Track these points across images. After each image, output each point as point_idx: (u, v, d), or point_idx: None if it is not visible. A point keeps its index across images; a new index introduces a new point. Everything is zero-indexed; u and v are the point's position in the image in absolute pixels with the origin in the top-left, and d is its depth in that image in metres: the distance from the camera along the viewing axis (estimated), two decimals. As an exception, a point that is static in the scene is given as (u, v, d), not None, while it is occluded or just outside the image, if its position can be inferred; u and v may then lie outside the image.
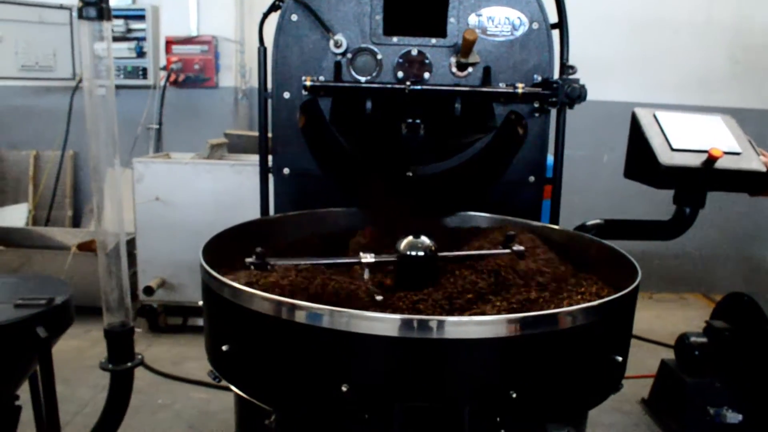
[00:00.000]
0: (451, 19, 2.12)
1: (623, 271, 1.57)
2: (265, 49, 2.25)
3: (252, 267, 1.52)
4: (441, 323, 1.15)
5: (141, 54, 5.33)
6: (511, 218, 2.10)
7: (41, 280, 2.47)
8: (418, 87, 2.02)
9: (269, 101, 2.22)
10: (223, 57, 5.43)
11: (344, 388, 1.16)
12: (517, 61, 2.14)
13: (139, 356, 2.11)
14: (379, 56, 2.13)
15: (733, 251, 5.72)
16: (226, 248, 1.69)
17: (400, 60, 2.12)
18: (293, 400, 1.28)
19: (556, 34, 2.21)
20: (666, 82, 5.33)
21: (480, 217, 2.17)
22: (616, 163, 5.40)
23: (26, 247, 4.65)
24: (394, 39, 2.13)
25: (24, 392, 2.27)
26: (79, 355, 3.89)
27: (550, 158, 2.28)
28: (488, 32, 2.13)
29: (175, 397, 3.53)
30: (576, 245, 1.85)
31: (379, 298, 1.44)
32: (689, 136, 2.14)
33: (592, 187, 5.27)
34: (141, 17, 5.27)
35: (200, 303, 1.49)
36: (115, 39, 5.19)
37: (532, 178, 2.23)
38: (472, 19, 2.12)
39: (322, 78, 2.14)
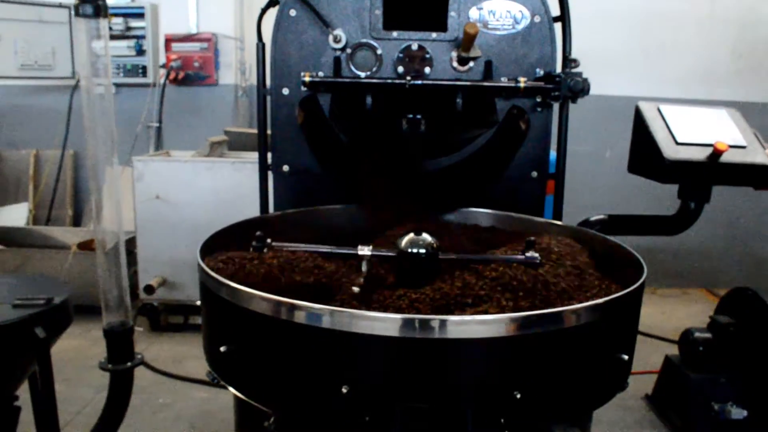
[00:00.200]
0: (452, 13, 2.09)
1: (628, 267, 1.55)
2: (263, 45, 2.22)
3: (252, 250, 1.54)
4: (443, 322, 1.13)
5: (140, 52, 5.31)
6: (515, 214, 2.07)
7: (40, 280, 2.45)
8: (419, 82, 2.00)
9: (268, 98, 2.20)
10: (223, 54, 5.41)
11: (344, 390, 1.14)
12: (519, 55, 2.11)
13: (139, 356, 2.09)
14: (378, 51, 2.10)
15: (736, 246, 5.69)
16: (225, 247, 1.67)
17: (401, 55, 2.10)
18: (293, 402, 1.26)
19: (558, 27, 2.18)
20: (669, 77, 5.29)
21: (482, 213, 2.15)
22: (618, 158, 5.37)
23: (26, 247, 4.64)
24: (394, 33, 2.10)
25: (24, 392, 2.26)
26: (79, 355, 3.88)
27: (553, 154, 2.25)
28: (489, 26, 2.10)
29: (176, 397, 3.51)
30: (580, 241, 1.82)
31: (355, 289, 1.42)
32: (694, 129, 2.12)
33: (594, 183, 5.25)
34: (140, 15, 5.25)
35: (199, 302, 1.47)
36: (115, 37, 5.19)
37: (534, 174, 2.20)
38: (473, 13, 2.09)
39: (321, 74, 2.11)
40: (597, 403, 1.35)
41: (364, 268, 1.53)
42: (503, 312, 1.32)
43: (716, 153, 2.01)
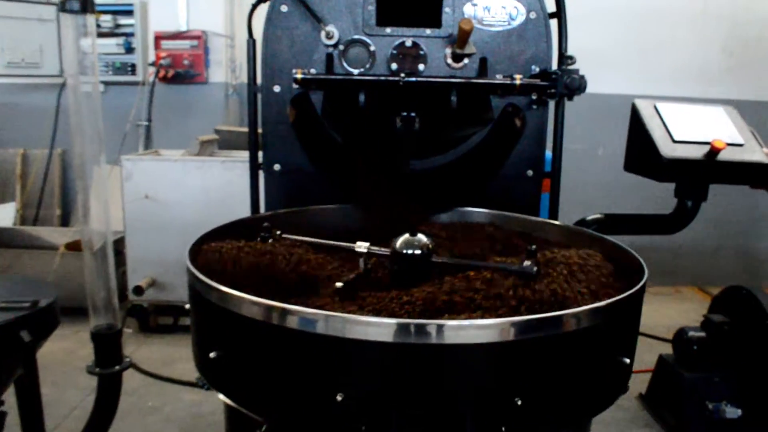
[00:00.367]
0: (446, 9, 2.06)
1: (627, 268, 1.52)
2: (254, 42, 2.18)
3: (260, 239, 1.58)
4: (440, 327, 1.09)
5: (129, 50, 5.28)
6: (510, 213, 2.04)
7: (26, 282, 2.40)
8: (413, 79, 1.96)
9: (259, 95, 2.16)
10: (213, 52, 5.36)
11: (339, 398, 1.10)
12: (514, 51, 2.08)
13: (127, 359, 2.05)
14: (372, 48, 2.07)
15: (728, 244, 5.71)
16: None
17: (394, 51, 2.06)
18: (285, 410, 1.21)
19: (553, 24, 2.15)
20: (662, 74, 5.29)
21: (476, 212, 2.11)
22: (611, 156, 5.41)
23: (14, 247, 4.59)
24: (388, 30, 2.06)
25: (10, 396, 2.21)
26: (67, 357, 3.83)
27: (548, 152, 2.23)
28: (484, 22, 2.07)
29: (165, 400, 3.47)
30: (578, 242, 1.79)
31: (338, 284, 1.40)
32: (691, 127, 2.09)
33: (586, 181, 5.24)
34: (129, 12, 5.22)
35: (188, 306, 1.43)
36: (104, 35, 5.17)
37: (530, 173, 2.17)
38: (468, 9, 2.06)
39: (313, 71, 2.07)
40: (600, 407, 1.32)
41: (361, 264, 1.51)
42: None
43: (713, 151, 1.98)
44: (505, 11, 2.07)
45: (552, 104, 2.14)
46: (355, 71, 2.07)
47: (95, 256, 1.90)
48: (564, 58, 2.03)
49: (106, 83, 5.31)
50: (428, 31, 2.06)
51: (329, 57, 2.08)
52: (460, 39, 1.96)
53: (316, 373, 1.16)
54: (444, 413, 1.12)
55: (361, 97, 1.98)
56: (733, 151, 2.04)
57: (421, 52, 2.06)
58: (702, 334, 3.31)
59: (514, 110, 2.13)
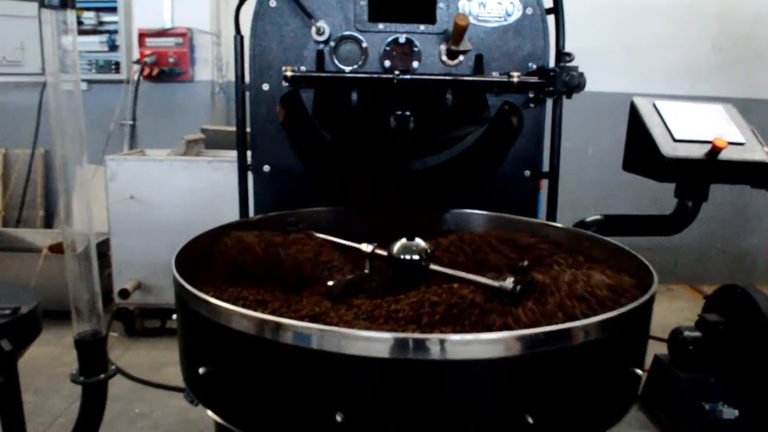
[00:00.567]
0: (441, 4, 2.00)
1: (633, 273, 1.47)
2: (242, 38, 2.11)
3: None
4: (443, 342, 1.02)
5: (113, 47, 5.20)
6: (507, 215, 1.99)
7: (7, 288, 2.32)
8: (408, 76, 1.90)
9: (247, 94, 2.09)
10: (199, 50, 5.27)
11: (339, 418, 1.03)
12: (511, 48, 2.03)
13: (113, 367, 1.99)
14: (364, 44, 2.00)
15: (718, 242, 5.70)
16: (203, 255, 1.56)
17: (387, 48, 2.00)
18: (279, 430, 1.15)
19: (551, 20, 2.10)
20: (652, 72, 5.27)
21: (473, 214, 2.06)
22: (601, 154, 5.38)
23: (-5, 250, 4.48)
24: (380, 26, 2.00)
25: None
26: (51, 363, 3.73)
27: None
28: (480, 18, 2.01)
29: (153, 406, 3.38)
30: (580, 245, 1.74)
31: (329, 283, 1.41)
32: (691, 126, 2.06)
33: (576, 180, 5.20)
34: (113, 9, 5.12)
35: (175, 324, 1.36)
36: (87, 32, 5.08)
37: (527, 173, 2.12)
38: (463, 4, 2.00)
39: (303, 68, 2.01)
40: (613, 420, 1.27)
41: (367, 266, 1.50)
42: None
43: (715, 150, 1.94)
44: (501, 7, 2.01)
45: (549, 102, 2.09)
46: (347, 68, 2.01)
47: (78, 259, 1.84)
48: (562, 54, 1.98)
49: (90, 81, 5.22)
50: (422, 27, 2.01)
51: (320, 54, 2.01)
52: (456, 35, 1.91)
53: (312, 391, 1.09)
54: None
55: (354, 96, 1.93)
56: (734, 150, 2.00)
57: (415, 49, 2.00)
58: (697, 333, 3.27)
59: (510, 108, 2.08)
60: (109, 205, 4.07)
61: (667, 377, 3.32)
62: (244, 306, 1.34)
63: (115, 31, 5.15)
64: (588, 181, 5.27)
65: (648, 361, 3.49)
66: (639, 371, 1.26)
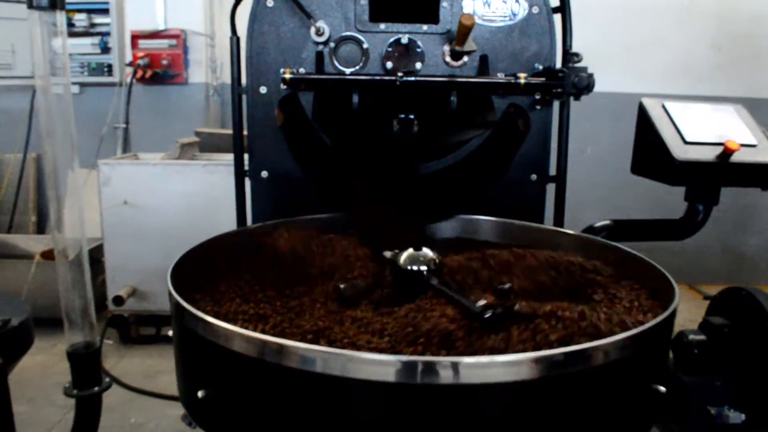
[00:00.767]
0: (444, 4, 1.94)
1: (648, 284, 1.41)
2: (238, 39, 2.04)
3: None
4: (455, 365, 0.95)
5: (105, 50, 5.14)
6: (514, 221, 1.93)
7: (-4, 299, 2.25)
8: (411, 78, 1.84)
9: (244, 97, 2.03)
10: (193, 51, 5.21)
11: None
12: (517, 48, 1.97)
13: (107, 380, 1.93)
14: (365, 45, 1.94)
15: (717, 243, 5.66)
16: (200, 267, 1.50)
17: (389, 49, 1.94)
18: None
19: (557, 19, 2.05)
20: (650, 72, 5.24)
21: (479, 220, 2.00)
22: (600, 155, 5.33)
23: (-13, 256, 4.41)
24: (382, 26, 1.94)
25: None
26: (44, 372, 3.65)
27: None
28: (484, 17, 1.96)
29: (149, 415, 3.31)
30: (591, 253, 1.68)
31: (341, 285, 1.43)
32: (702, 127, 2.00)
33: (575, 181, 5.14)
34: (105, 11, 5.06)
35: (170, 333, 1.29)
36: (79, 34, 5.02)
37: (534, 177, 2.06)
38: (467, 3, 1.94)
39: (302, 70, 1.95)
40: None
41: (387, 272, 1.49)
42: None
43: (727, 152, 1.89)
44: (506, 6, 1.96)
45: (556, 104, 2.03)
46: (348, 70, 1.95)
47: (70, 265, 1.78)
48: (569, 55, 1.93)
49: (82, 84, 5.16)
50: (425, 27, 1.95)
51: (319, 55, 1.95)
52: (460, 35, 1.84)
53: (316, 415, 1.02)
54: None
55: (355, 98, 1.87)
56: (746, 152, 1.95)
57: (418, 50, 1.94)
58: (702, 337, 3.22)
59: (516, 111, 2.02)
60: (103, 210, 4.00)
61: (672, 381, 3.28)
62: (243, 320, 1.29)
63: (107, 33, 5.10)
64: (586, 182, 5.21)
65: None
66: (662, 388, 1.20)
